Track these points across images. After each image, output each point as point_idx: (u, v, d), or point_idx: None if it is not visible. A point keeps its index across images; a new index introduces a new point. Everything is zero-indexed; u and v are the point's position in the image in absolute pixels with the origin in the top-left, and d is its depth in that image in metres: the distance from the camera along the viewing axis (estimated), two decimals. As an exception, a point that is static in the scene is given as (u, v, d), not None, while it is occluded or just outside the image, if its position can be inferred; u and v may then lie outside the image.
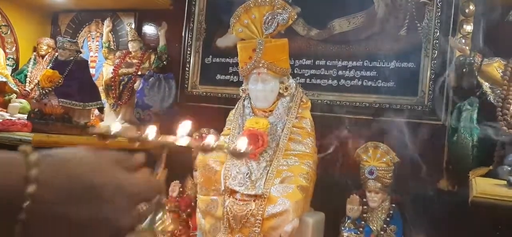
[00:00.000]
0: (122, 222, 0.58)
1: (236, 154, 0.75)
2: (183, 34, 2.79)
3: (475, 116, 1.82)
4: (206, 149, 0.76)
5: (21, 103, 2.68)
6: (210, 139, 0.76)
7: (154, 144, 0.73)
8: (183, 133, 0.76)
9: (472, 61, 1.88)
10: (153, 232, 0.72)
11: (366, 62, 2.34)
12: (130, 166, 0.62)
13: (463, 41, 2.01)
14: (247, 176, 1.93)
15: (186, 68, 2.77)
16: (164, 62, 2.73)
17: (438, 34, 2.20)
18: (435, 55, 2.21)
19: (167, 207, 2.15)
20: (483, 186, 1.40)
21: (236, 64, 2.40)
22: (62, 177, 0.54)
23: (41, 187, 0.51)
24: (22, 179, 0.51)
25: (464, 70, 1.93)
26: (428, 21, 2.23)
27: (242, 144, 0.77)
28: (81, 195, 0.55)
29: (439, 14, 2.21)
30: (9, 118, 2.39)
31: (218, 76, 2.69)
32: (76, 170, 0.55)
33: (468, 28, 2.03)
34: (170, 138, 0.74)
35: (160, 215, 0.73)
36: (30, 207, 0.50)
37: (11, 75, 2.88)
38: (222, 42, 2.70)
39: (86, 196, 0.55)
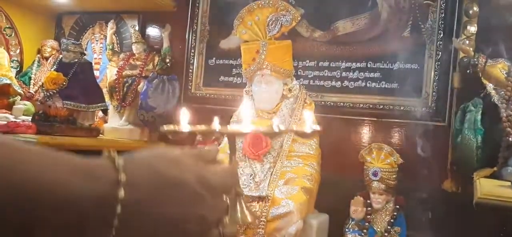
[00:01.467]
0: (211, 215, 0.58)
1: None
2: (186, 36, 2.80)
3: (479, 117, 1.82)
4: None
5: (25, 105, 2.69)
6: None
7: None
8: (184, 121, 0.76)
9: (476, 62, 1.87)
10: (236, 223, 0.71)
11: (370, 63, 2.34)
12: (210, 160, 0.62)
13: (467, 42, 2.00)
14: (251, 177, 1.93)
15: (190, 70, 2.78)
16: (168, 64, 2.73)
17: (442, 35, 2.20)
18: (439, 57, 2.20)
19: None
20: (488, 188, 1.40)
21: (240, 66, 2.40)
22: (149, 177, 0.53)
23: (131, 191, 0.50)
24: (113, 185, 0.50)
25: (468, 71, 1.93)
26: (431, 22, 2.23)
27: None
28: (170, 193, 0.54)
29: (443, 15, 2.21)
30: (14, 120, 2.40)
31: (222, 78, 2.70)
32: (161, 168, 0.55)
33: (472, 29, 2.02)
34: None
35: (239, 206, 0.72)
36: (122, 212, 0.49)
37: (15, 77, 2.89)
38: (226, 43, 2.70)
39: (174, 193, 0.54)
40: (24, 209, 0.44)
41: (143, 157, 0.56)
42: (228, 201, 0.63)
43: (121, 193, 0.50)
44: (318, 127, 0.82)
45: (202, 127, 0.76)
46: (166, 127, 0.77)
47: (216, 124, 0.75)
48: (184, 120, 0.77)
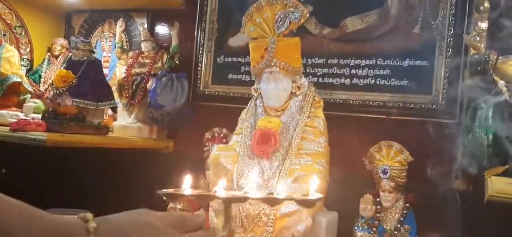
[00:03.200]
0: None
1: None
2: (195, 34, 2.80)
3: (490, 114, 1.80)
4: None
5: (35, 103, 2.71)
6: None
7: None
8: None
9: (487, 59, 1.86)
10: None
11: (379, 60, 2.33)
12: (190, 228, 0.62)
13: (478, 38, 1.99)
14: (260, 175, 1.93)
15: (198, 68, 2.78)
16: (176, 62, 2.74)
17: (452, 31, 2.18)
18: (449, 53, 2.18)
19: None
20: (499, 185, 1.39)
21: (248, 64, 2.40)
22: None
23: None
24: None
25: (479, 68, 1.91)
26: (442, 18, 2.21)
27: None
28: None
29: (453, 11, 2.19)
30: (24, 118, 2.42)
31: (230, 76, 2.70)
32: (134, 235, 0.55)
33: (483, 25, 2.00)
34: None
35: None
36: None
37: (25, 75, 2.92)
38: (234, 41, 2.70)
39: None
40: None
41: (117, 222, 0.56)
42: None
43: None
44: (321, 196, 0.79)
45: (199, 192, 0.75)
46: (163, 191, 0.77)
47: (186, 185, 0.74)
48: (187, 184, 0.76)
